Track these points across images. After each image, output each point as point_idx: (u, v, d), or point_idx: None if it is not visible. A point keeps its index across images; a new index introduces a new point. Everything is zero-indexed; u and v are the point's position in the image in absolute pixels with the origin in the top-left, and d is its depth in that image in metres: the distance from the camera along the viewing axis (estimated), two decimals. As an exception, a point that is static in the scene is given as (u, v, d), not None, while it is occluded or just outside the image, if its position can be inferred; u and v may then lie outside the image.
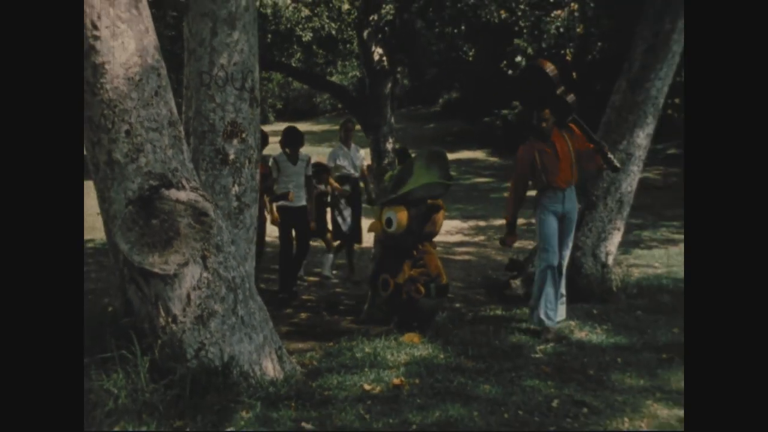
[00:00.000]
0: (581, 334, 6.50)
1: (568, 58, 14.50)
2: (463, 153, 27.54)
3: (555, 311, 6.58)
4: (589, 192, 8.05)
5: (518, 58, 14.25)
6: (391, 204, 6.71)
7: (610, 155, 6.49)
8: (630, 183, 8.14)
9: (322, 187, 9.59)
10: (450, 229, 14.30)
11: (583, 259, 7.95)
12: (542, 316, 6.52)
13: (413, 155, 7.28)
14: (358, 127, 10.27)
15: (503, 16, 12.37)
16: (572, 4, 13.23)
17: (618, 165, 6.64)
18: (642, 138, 8.03)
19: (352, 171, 9.96)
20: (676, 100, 17.45)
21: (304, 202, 8.97)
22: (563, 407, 4.81)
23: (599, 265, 8.00)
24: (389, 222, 6.65)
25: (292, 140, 9.01)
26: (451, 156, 7.74)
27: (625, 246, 10.60)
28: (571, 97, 6.52)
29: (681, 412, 4.61)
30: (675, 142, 22.28)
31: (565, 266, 6.78)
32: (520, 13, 12.33)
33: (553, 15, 13.08)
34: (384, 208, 6.78)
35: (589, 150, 6.56)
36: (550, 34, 12.91)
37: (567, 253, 6.78)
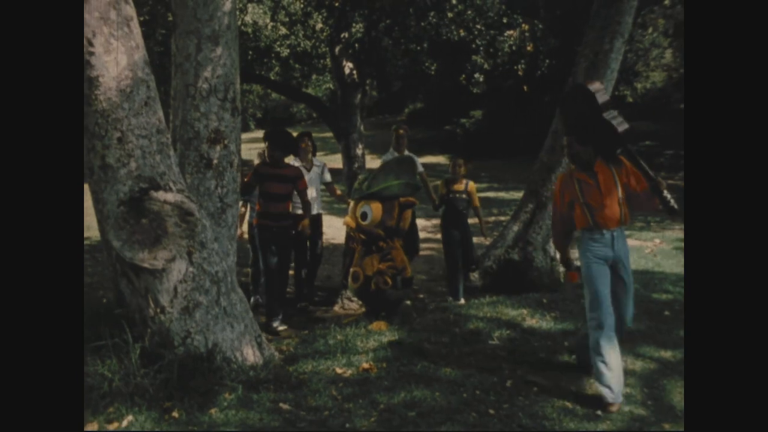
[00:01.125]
0: (532, 321, 6.54)
1: (520, 73, 14.58)
2: (426, 158, 27.55)
3: (619, 382, 4.65)
4: (539, 193, 8.11)
5: (476, 75, 14.33)
6: (366, 199, 6.70)
7: (666, 193, 4.67)
8: (575, 185, 8.21)
9: None
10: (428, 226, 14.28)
11: (534, 254, 8.01)
12: (602, 390, 4.63)
13: (385, 160, 7.32)
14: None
15: (462, 34, 12.41)
16: (523, 25, 13.31)
17: (676, 206, 4.61)
18: (586, 145, 8.11)
19: None
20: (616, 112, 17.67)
21: (320, 210, 8.10)
22: (516, 386, 4.86)
23: (548, 259, 8.06)
24: (364, 215, 6.64)
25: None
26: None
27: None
28: (621, 124, 4.77)
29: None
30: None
31: (625, 325, 4.89)
32: (476, 33, 12.38)
33: (506, 34, 13.15)
34: (359, 203, 6.76)
35: (646, 191, 4.78)
36: (504, 52, 12.98)
37: (628, 314, 4.87)
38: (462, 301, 7.78)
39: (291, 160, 7.82)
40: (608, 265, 4.76)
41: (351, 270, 6.77)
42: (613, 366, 4.59)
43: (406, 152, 8.35)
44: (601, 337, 4.62)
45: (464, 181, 8.08)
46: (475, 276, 8.37)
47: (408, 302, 7.28)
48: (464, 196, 8.01)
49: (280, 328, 6.70)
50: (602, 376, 4.58)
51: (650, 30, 20.56)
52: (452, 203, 8.04)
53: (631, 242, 11.76)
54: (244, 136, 22.13)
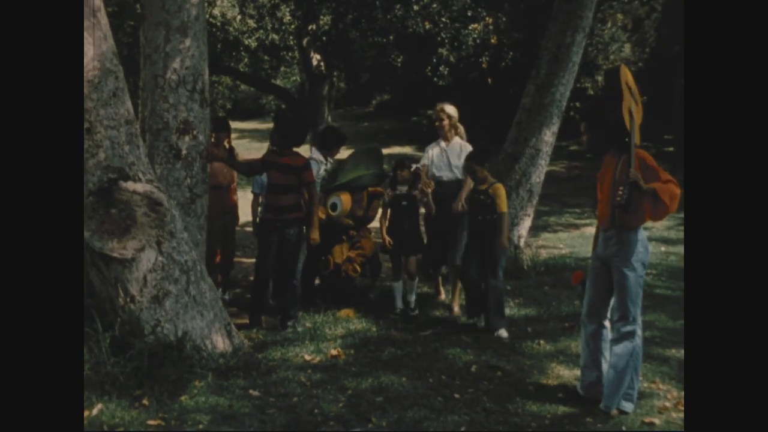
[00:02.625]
0: (496, 307, 6.58)
1: (484, 65, 14.64)
2: (393, 148, 27.50)
3: (586, 374, 4.52)
4: (504, 183, 8.14)
5: (442, 67, 14.37)
6: (335, 190, 6.63)
7: (622, 191, 4.12)
8: (539, 175, 8.30)
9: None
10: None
11: (497, 242, 8.06)
12: (579, 390, 4.55)
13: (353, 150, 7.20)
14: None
15: (427, 27, 12.43)
16: (487, 18, 13.39)
17: (622, 202, 4.10)
18: (549, 136, 8.19)
19: (447, 173, 6.62)
20: (577, 104, 17.87)
21: None
22: (480, 372, 4.89)
23: (512, 247, 8.11)
24: (334, 206, 6.56)
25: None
26: (383, 150, 7.69)
27: (535, 230, 10.77)
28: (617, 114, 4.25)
29: (579, 372, 4.71)
30: (577, 140, 22.69)
31: (620, 343, 4.28)
32: (442, 25, 12.41)
33: (470, 27, 13.19)
34: (329, 194, 6.67)
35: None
36: (468, 44, 13.02)
37: (619, 326, 4.29)
38: (502, 333, 5.79)
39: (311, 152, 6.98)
40: (600, 263, 4.40)
41: (321, 257, 6.71)
42: (582, 357, 4.58)
43: (456, 140, 6.70)
44: (581, 331, 4.60)
45: (489, 181, 6.04)
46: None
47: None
48: (482, 197, 5.98)
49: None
50: (582, 378, 4.57)
51: (609, 24, 20.72)
52: (470, 204, 6.17)
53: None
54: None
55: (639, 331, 4.31)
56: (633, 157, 4.13)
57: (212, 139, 6.63)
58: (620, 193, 4.13)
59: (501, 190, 6.00)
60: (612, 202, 4.25)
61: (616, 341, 4.31)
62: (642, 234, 4.29)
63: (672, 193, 4.01)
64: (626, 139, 4.23)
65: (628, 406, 4.26)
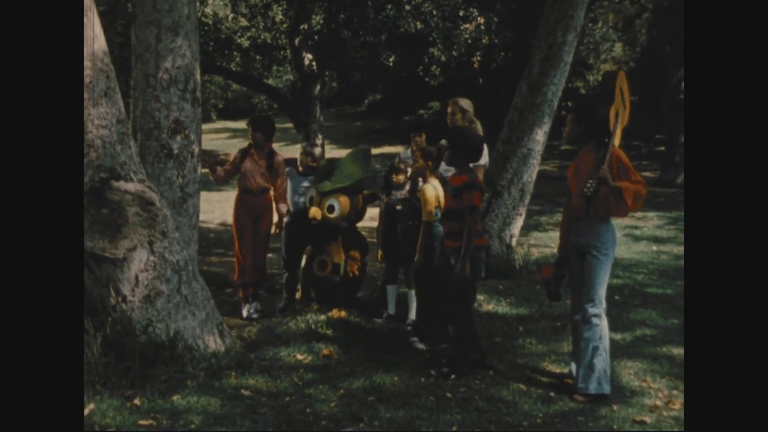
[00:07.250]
0: (489, 306, 6.60)
1: (476, 65, 14.67)
2: (385, 148, 27.58)
3: (576, 365, 4.61)
4: (495, 182, 8.16)
5: (434, 68, 14.37)
6: (334, 192, 6.57)
7: (590, 184, 4.29)
8: (530, 174, 8.30)
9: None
10: (373, 215, 14.28)
11: (490, 241, 8.07)
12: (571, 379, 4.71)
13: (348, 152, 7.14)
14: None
15: (419, 27, 12.45)
16: (479, 18, 13.41)
17: (588, 194, 4.29)
18: (540, 135, 8.19)
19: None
20: (569, 104, 17.93)
21: None
22: (473, 370, 4.89)
23: (504, 246, 8.13)
24: (331, 208, 6.50)
25: None
26: (375, 150, 7.67)
27: (526, 229, 10.77)
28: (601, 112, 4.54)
29: (570, 371, 4.72)
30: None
31: (587, 326, 4.48)
32: (433, 25, 12.42)
33: (462, 27, 13.20)
34: (326, 196, 6.60)
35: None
36: (460, 44, 13.03)
37: (587, 308, 4.48)
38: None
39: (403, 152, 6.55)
40: (578, 253, 4.59)
41: (317, 258, 6.65)
42: (575, 353, 4.68)
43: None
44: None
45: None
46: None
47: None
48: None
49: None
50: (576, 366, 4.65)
51: (600, 24, 20.79)
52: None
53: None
54: (206, 126, 21.88)
55: (604, 314, 4.52)
56: (609, 156, 4.38)
57: (250, 139, 6.62)
58: (588, 186, 4.34)
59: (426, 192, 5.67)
60: (578, 192, 4.48)
61: (584, 325, 4.51)
62: (612, 224, 4.54)
63: (637, 193, 4.30)
64: (606, 139, 4.51)
65: (605, 388, 4.43)
